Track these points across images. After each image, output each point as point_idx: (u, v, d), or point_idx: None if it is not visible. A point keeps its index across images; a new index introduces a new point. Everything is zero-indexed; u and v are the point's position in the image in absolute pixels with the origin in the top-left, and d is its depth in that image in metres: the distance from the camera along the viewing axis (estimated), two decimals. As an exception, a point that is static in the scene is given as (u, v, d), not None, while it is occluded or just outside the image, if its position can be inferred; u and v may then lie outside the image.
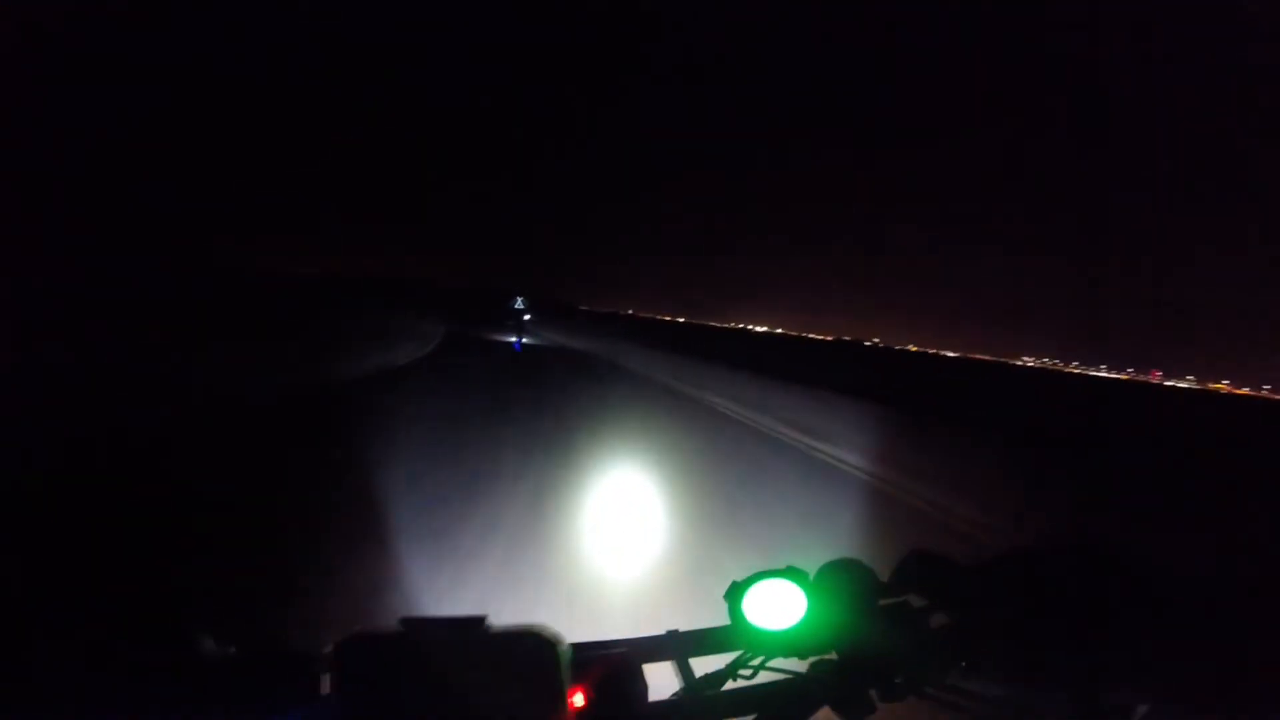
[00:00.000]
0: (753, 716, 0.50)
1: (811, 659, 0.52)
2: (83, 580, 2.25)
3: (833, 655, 0.52)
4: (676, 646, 0.54)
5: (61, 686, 0.41)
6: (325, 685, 0.43)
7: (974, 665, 0.49)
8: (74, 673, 0.41)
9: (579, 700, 0.46)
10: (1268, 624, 0.44)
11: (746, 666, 0.53)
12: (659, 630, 0.55)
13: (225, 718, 0.43)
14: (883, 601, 0.52)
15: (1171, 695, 0.44)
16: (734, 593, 0.52)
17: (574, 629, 0.46)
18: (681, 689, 0.53)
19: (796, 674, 0.52)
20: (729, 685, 0.52)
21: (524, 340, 17.25)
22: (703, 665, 0.54)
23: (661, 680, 0.52)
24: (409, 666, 0.41)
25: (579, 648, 0.49)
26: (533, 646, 0.43)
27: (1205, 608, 0.46)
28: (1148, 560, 0.47)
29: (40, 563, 2.35)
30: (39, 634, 0.42)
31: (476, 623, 0.43)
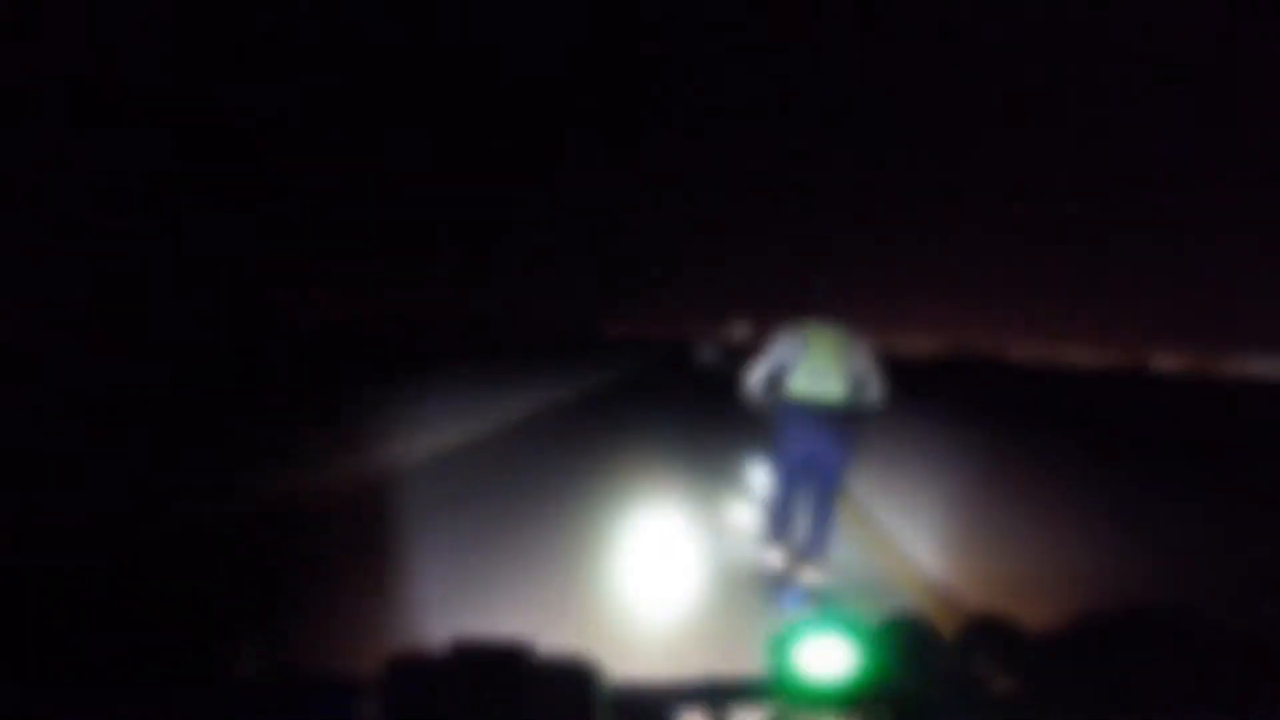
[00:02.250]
0: None
1: (857, 716, 0.50)
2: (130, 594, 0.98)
3: (882, 713, 0.50)
4: (712, 693, 0.52)
5: (102, 708, 0.42)
6: (373, 705, 0.44)
7: None
8: (115, 694, 0.43)
9: None
10: None
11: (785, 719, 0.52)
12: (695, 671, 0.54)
13: None
14: (942, 662, 0.51)
15: None
16: (779, 641, 0.51)
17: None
18: None
19: None
20: None
21: None
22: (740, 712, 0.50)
23: None
24: (454, 688, 0.43)
25: (615, 688, 0.49)
26: (572, 676, 0.45)
27: None
28: (1234, 633, 0.46)
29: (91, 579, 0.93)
30: (80, 658, 0.44)
31: (522, 650, 0.45)
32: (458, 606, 2.77)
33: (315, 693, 0.47)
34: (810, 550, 2.86)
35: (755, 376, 2.90)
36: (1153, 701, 0.44)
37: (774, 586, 2.90)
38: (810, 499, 2.88)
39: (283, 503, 4.16)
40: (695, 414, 10.10)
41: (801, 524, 2.91)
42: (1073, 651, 0.48)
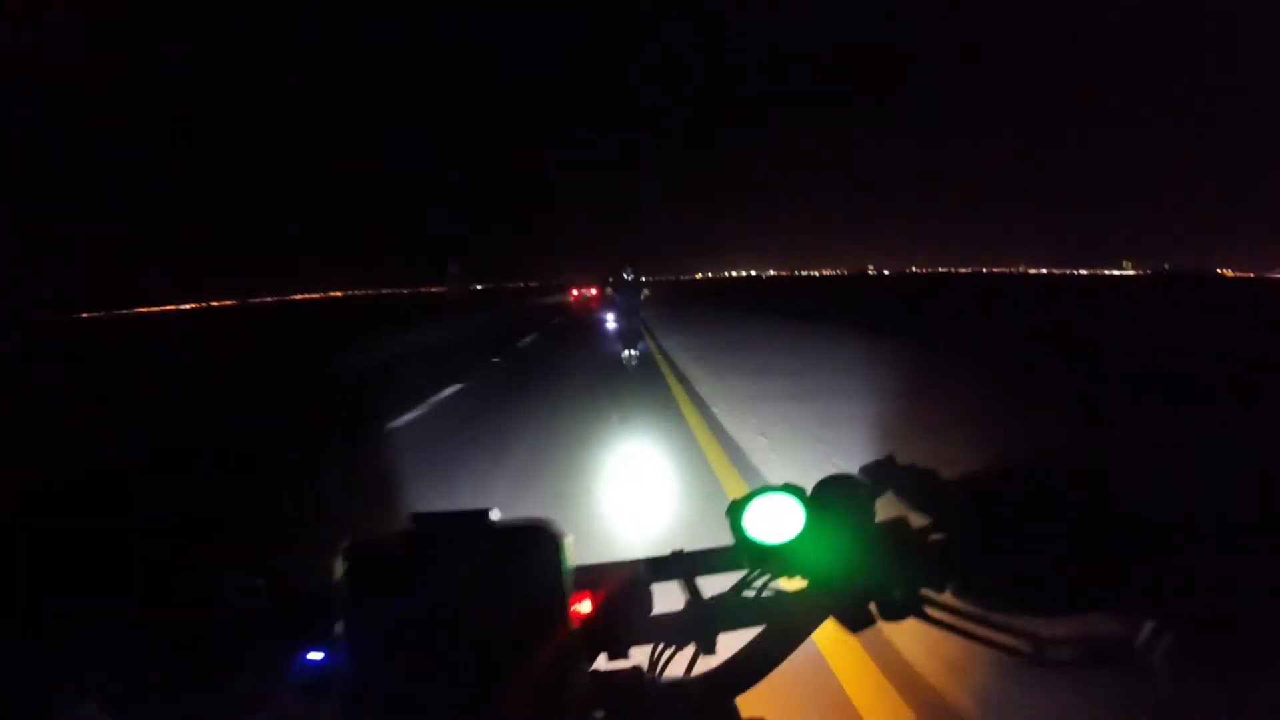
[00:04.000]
0: (762, 627, 0.51)
1: (810, 575, 0.53)
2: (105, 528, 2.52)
3: (830, 570, 0.52)
4: (683, 565, 0.56)
5: (83, 634, 0.43)
6: (341, 590, 0.43)
7: (970, 581, 0.49)
8: (95, 621, 0.44)
9: (586, 607, 0.48)
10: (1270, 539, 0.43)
11: (751, 586, 0.54)
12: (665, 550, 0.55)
13: (249, 642, 0.46)
14: (879, 520, 0.53)
15: (1176, 613, 0.42)
16: (734, 510, 0.54)
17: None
18: (687, 604, 0.54)
19: (795, 590, 0.54)
20: (732, 601, 0.54)
21: None
22: (710, 588, 0.55)
23: (669, 600, 0.54)
24: (417, 561, 0.43)
25: (588, 568, 0.50)
26: (536, 538, 0.45)
27: (1211, 526, 0.44)
28: (1149, 474, 0.66)
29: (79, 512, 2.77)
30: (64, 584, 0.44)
31: (481, 516, 0.45)
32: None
33: (292, 593, 0.48)
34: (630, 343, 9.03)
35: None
36: (1079, 548, 0.45)
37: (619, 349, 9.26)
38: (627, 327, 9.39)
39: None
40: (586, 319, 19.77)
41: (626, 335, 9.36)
42: (993, 500, 0.50)
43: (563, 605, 0.44)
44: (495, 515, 0.45)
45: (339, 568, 0.44)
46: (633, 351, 8.91)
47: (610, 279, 10.83)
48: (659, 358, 9.45)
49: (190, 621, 0.45)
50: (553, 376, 8.31)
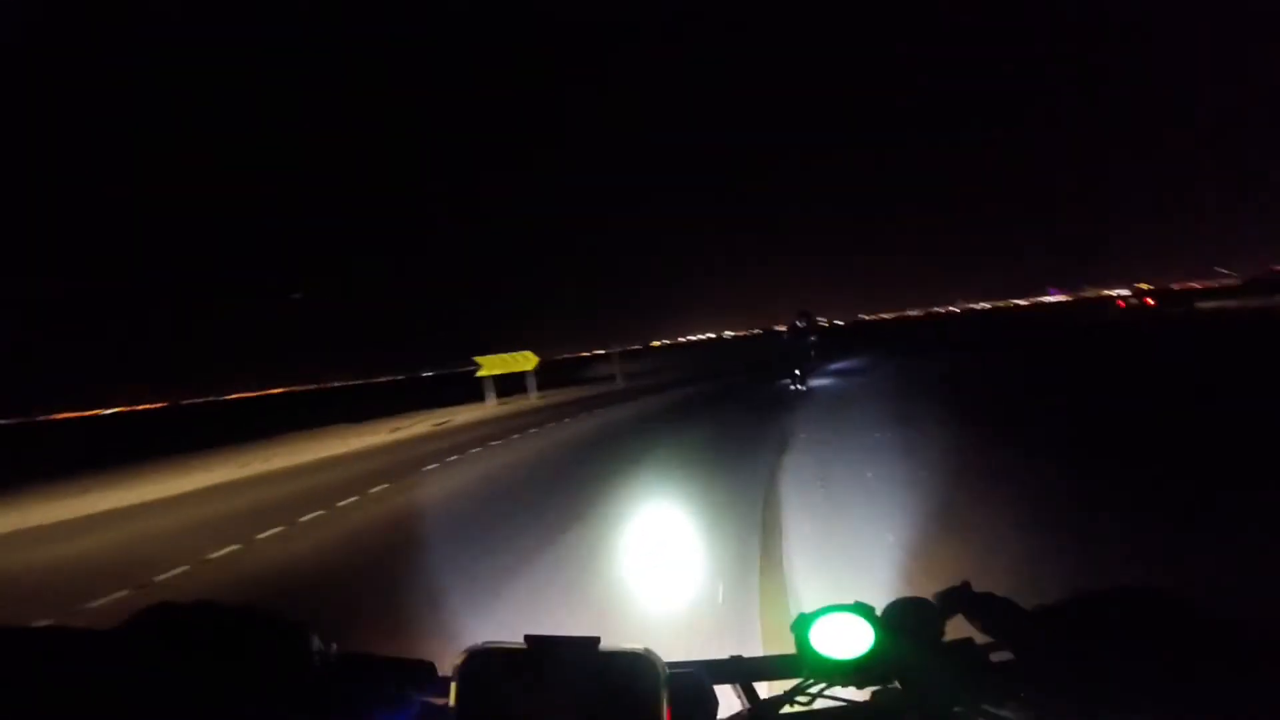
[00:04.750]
0: None
1: (872, 689, 0.54)
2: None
3: (894, 685, 0.53)
4: (741, 670, 0.57)
5: (189, 685, 0.45)
6: (452, 693, 0.46)
7: (1033, 699, 0.48)
8: (200, 673, 0.46)
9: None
10: None
11: (806, 693, 0.55)
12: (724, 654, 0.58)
13: (331, 702, 0.48)
14: (946, 640, 0.54)
15: None
16: (801, 624, 0.54)
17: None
18: (745, 710, 0.56)
19: (857, 701, 0.54)
20: (788, 710, 0.55)
21: None
22: (764, 692, 0.56)
23: (724, 702, 0.55)
24: (528, 679, 0.47)
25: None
26: (639, 667, 0.47)
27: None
28: (1222, 606, 0.44)
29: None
30: (168, 636, 0.47)
31: (591, 643, 0.48)
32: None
33: (406, 672, 0.51)
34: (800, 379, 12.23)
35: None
36: (1138, 680, 0.44)
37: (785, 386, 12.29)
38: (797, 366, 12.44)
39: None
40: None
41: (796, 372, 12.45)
42: (1065, 627, 0.50)
43: None
44: (603, 642, 0.49)
45: (454, 674, 0.48)
46: (800, 387, 11.87)
47: (784, 330, 14.03)
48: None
49: (279, 676, 0.48)
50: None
